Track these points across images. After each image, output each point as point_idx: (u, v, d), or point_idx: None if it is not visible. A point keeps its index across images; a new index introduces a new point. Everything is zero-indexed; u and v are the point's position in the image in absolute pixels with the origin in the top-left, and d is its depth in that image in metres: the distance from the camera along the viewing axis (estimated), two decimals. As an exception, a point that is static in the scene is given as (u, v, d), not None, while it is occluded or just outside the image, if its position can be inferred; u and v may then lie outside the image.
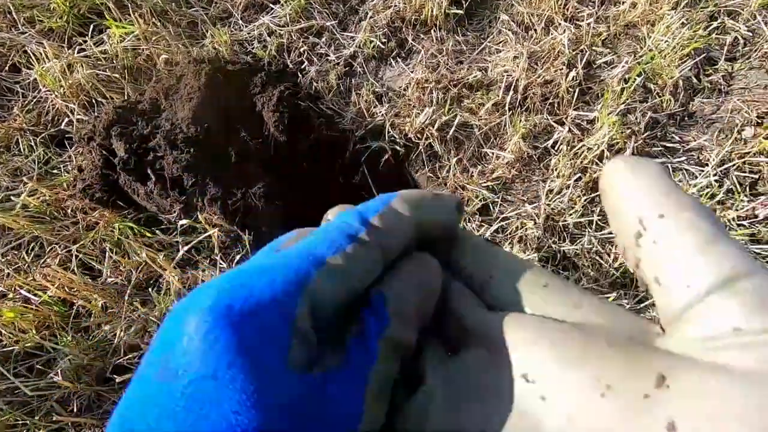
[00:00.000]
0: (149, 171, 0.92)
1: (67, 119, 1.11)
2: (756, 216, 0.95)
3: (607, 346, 0.17)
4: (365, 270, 0.20)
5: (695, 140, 1.06)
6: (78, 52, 1.17)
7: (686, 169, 1.02)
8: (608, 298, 0.87)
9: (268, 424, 0.15)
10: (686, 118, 1.10)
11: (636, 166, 0.18)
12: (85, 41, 1.19)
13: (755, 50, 1.15)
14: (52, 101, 1.13)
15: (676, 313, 0.16)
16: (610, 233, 0.96)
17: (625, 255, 0.18)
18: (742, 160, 1.01)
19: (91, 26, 1.21)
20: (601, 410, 0.15)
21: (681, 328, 0.16)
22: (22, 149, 1.09)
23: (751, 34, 1.17)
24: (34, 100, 1.15)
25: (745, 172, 1.01)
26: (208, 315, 0.16)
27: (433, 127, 1.05)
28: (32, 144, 1.09)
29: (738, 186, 0.99)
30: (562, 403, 0.16)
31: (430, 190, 0.25)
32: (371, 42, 1.17)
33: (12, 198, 1.01)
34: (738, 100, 1.09)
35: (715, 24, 1.17)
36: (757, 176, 1.01)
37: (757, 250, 0.91)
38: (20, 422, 0.80)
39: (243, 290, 0.17)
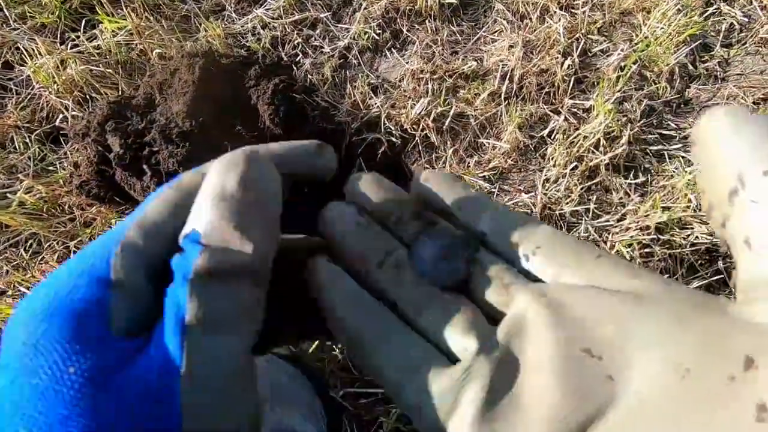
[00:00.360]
0: (145, 166, 0.92)
1: (61, 115, 1.11)
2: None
3: (677, 319, 0.15)
4: (168, 206, 0.19)
5: (691, 127, 1.05)
6: (71, 48, 1.17)
7: (682, 157, 1.02)
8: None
9: (90, 400, 0.14)
10: (682, 105, 1.10)
11: (741, 117, 0.17)
12: (78, 37, 1.18)
13: (751, 36, 1.15)
14: (46, 98, 1.13)
15: (763, 279, 0.15)
16: (607, 221, 0.96)
17: (711, 214, 0.17)
18: (738, 146, 1.01)
19: (84, 21, 1.20)
20: (680, 395, 0.14)
21: (765, 297, 0.14)
22: (17, 146, 1.08)
23: (746, 20, 1.17)
24: (28, 96, 1.14)
25: (740, 158, 1.01)
26: (32, 321, 0.16)
27: (429, 117, 1.05)
28: (27, 141, 1.08)
29: (734, 172, 0.99)
30: (634, 384, 0.15)
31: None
32: (366, 33, 1.17)
33: (8, 195, 1.01)
34: (734, 86, 1.09)
35: (710, 10, 1.16)
36: (752, 162, 1.01)
37: (752, 236, 0.92)
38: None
39: (60, 278, 0.17)
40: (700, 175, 0.17)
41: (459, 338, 0.18)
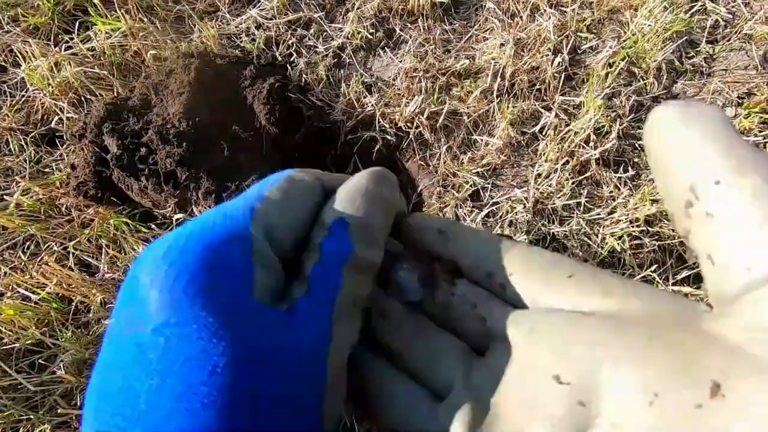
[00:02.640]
0: (143, 166, 0.92)
1: (56, 117, 1.11)
2: (737, 193, 0.98)
3: (649, 341, 0.15)
4: (304, 195, 0.20)
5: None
6: (65, 50, 1.17)
7: (670, 150, 1.05)
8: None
9: (238, 357, 0.15)
10: (670, 100, 1.12)
11: (688, 115, 0.15)
12: (72, 39, 1.18)
13: (735, 32, 1.17)
14: (40, 100, 1.13)
15: (729, 296, 0.14)
16: (598, 215, 0.98)
17: (674, 222, 0.16)
18: (724, 139, 1.04)
19: (77, 23, 1.20)
20: (649, 420, 0.14)
21: (734, 313, 0.14)
22: (12, 149, 1.08)
23: (731, 16, 1.19)
24: (23, 99, 1.14)
25: (726, 151, 1.03)
26: (162, 263, 0.16)
27: (423, 115, 1.06)
28: (23, 143, 1.09)
29: (720, 165, 1.01)
30: (606, 410, 0.15)
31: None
32: (359, 33, 1.18)
33: (5, 197, 1.01)
34: (719, 81, 1.12)
35: (696, 7, 1.19)
36: (738, 155, 1.04)
37: (738, 226, 0.95)
38: (24, 417, 0.82)
39: (194, 234, 0.17)
40: (656, 180, 0.16)
41: (444, 375, 0.19)
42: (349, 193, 0.20)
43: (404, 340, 0.20)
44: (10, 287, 0.91)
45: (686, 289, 0.91)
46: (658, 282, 0.91)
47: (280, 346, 0.16)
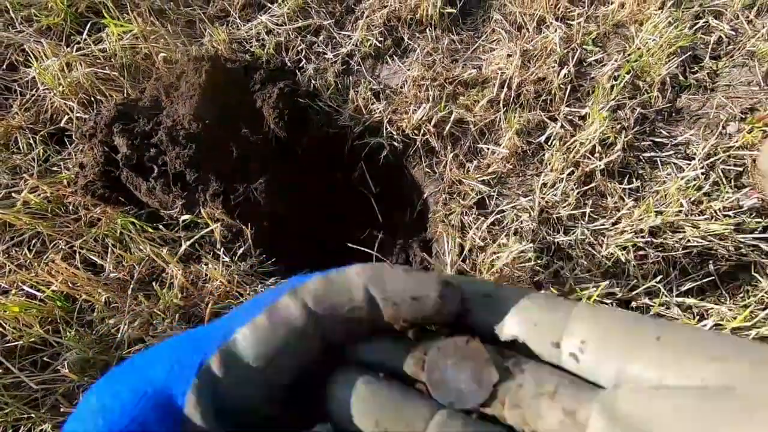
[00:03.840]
0: (152, 167, 0.93)
1: (66, 117, 1.12)
2: (741, 206, 0.99)
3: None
4: (287, 342, 0.17)
5: (682, 135, 1.09)
6: (76, 51, 1.18)
7: (674, 163, 1.06)
8: (600, 287, 0.90)
9: None
10: (673, 114, 1.14)
11: None
12: (84, 39, 1.19)
13: (738, 48, 1.19)
14: (50, 99, 1.14)
15: None
16: (603, 224, 0.99)
17: None
18: (727, 153, 1.05)
19: (89, 25, 1.22)
20: None
21: None
22: (21, 147, 1.09)
23: (734, 33, 1.21)
24: (33, 98, 1.15)
25: (730, 165, 1.04)
26: None
27: (430, 123, 1.07)
28: (31, 142, 1.09)
29: (723, 178, 1.02)
30: None
31: (406, 267, 0.18)
32: (368, 40, 1.19)
33: (13, 195, 1.01)
34: (722, 96, 1.14)
35: (700, 23, 1.21)
36: (741, 169, 1.05)
37: (741, 239, 0.95)
38: (26, 416, 0.81)
39: (124, 397, 0.16)
40: None
41: None
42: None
43: None
44: (16, 284, 0.91)
45: (690, 300, 0.91)
46: (663, 293, 0.91)
47: None
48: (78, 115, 1.11)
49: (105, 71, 1.15)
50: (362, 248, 0.94)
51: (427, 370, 0.17)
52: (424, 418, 0.16)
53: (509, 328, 0.17)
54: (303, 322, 0.17)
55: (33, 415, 0.81)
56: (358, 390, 0.17)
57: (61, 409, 0.81)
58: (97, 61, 1.17)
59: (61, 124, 1.12)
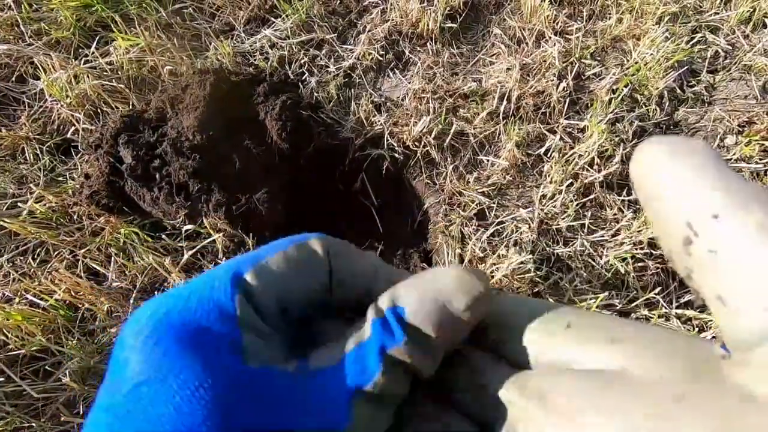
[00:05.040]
0: (156, 177, 0.94)
1: (72, 128, 1.14)
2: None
3: (675, 403, 0.13)
4: (304, 271, 0.19)
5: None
6: (84, 63, 1.20)
7: (672, 175, 1.07)
8: (600, 299, 0.90)
9: (221, 417, 0.15)
10: (671, 127, 1.15)
11: (677, 150, 0.14)
12: (92, 53, 1.22)
13: (735, 63, 1.21)
14: (58, 111, 1.16)
15: (747, 342, 0.13)
16: (602, 236, 1.00)
17: (673, 262, 0.14)
18: (725, 166, 1.06)
19: (98, 38, 1.24)
20: None
21: (756, 363, 0.13)
22: (27, 157, 1.11)
23: (731, 48, 1.23)
24: (41, 109, 1.17)
25: (728, 177, 1.05)
26: (145, 325, 0.16)
27: (430, 135, 1.09)
28: (38, 152, 1.11)
29: (722, 191, 1.03)
30: None
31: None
32: (370, 54, 1.22)
33: (19, 204, 1.02)
34: (720, 109, 1.15)
35: (696, 38, 1.23)
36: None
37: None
38: (26, 425, 0.81)
39: (178, 298, 0.17)
40: (649, 218, 0.15)
41: None
42: (420, 286, 0.18)
43: None
44: (19, 293, 0.92)
45: (690, 312, 0.92)
46: (662, 305, 0.91)
47: (281, 408, 0.16)
48: (84, 126, 1.13)
49: (111, 83, 1.17)
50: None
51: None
52: None
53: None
54: (323, 256, 0.19)
55: (34, 424, 0.81)
56: None
57: (62, 419, 0.81)
58: (104, 73, 1.19)
59: (68, 135, 1.14)
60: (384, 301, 0.18)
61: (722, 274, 0.13)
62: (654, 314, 0.91)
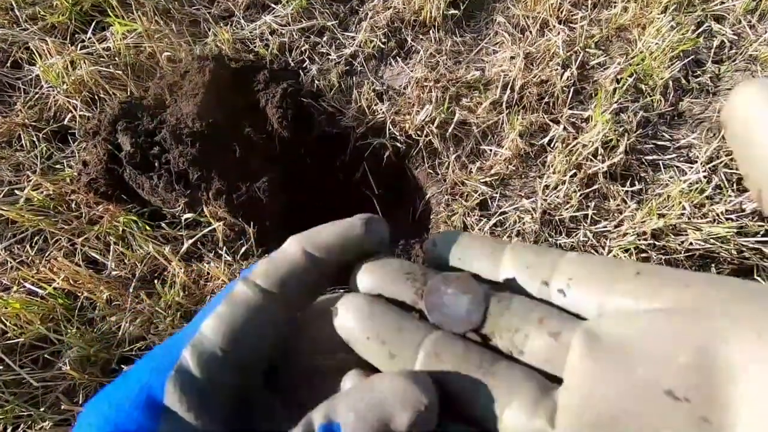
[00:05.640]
0: (155, 165, 0.93)
1: (69, 115, 1.12)
2: (743, 210, 0.99)
3: (758, 336, 0.13)
4: (249, 319, 0.18)
5: (685, 138, 1.10)
6: (80, 49, 1.18)
7: (676, 166, 1.06)
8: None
9: None
10: (676, 117, 1.14)
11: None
12: (88, 38, 1.20)
13: (740, 53, 1.20)
14: (54, 97, 1.14)
15: None
16: (605, 227, 0.99)
17: (761, 197, 0.15)
18: (729, 157, 1.05)
19: (94, 23, 1.22)
20: None
21: None
22: (24, 144, 1.09)
23: (736, 38, 1.22)
24: (36, 96, 1.15)
25: (732, 168, 1.05)
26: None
27: (433, 124, 1.08)
28: (34, 139, 1.09)
29: (726, 182, 1.03)
30: (743, 420, 0.12)
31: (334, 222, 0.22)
32: (371, 42, 1.20)
33: (16, 192, 1.01)
34: (725, 100, 1.14)
35: (702, 28, 1.21)
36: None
37: (744, 242, 0.95)
38: (26, 413, 0.81)
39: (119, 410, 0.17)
40: (738, 159, 0.16)
41: (525, 422, 0.16)
42: (353, 404, 0.16)
43: (468, 382, 0.17)
44: (17, 281, 0.91)
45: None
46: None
47: None
48: (81, 113, 1.11)
49: (109, 70, 1.15)
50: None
51: (426, 293, 0.19)
52: (420, 334, 0.18)
53: (505, 269, 0.19)
54: (258, 301, 0.19)
55: (33, 413, 0.80)
56: (361, 307, 0.19)
57: (62, 407, 0.80)
58: (101, 59, 1.17)
59: (65, 122, 1.12)
60: (318, 417, 0.16)
61: None
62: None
